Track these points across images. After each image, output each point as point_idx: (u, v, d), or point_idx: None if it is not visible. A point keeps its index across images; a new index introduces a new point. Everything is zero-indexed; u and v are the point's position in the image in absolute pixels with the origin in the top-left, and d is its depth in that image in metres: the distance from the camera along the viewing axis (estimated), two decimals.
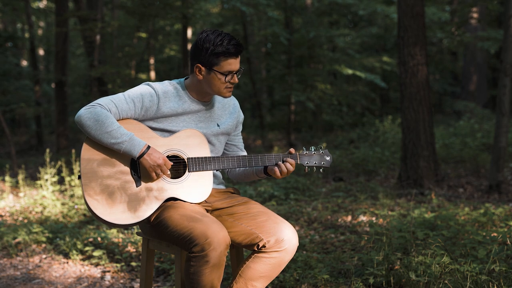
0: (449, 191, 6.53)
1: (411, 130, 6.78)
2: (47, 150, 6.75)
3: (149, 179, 2.56)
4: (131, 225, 2.55)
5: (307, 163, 2.73)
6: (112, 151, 2.54)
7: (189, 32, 12.42)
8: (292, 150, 2.70)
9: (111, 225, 2.54)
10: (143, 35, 13.05)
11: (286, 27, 13.93)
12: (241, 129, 2.89)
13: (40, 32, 22.43)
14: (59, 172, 8.01)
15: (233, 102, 2.85)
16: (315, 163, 2.74)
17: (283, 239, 2.53)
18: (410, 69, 6.74)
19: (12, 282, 4.01)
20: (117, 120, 2.55)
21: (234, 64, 2.59)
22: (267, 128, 15.16)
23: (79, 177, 2.55)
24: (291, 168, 2.66)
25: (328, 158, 2.76)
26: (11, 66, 15.07)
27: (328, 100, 14.16)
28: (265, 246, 2.54)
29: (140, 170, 2.56)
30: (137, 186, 2.55)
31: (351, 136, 12.30)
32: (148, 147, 2.51)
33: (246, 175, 2.84)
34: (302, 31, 13.48)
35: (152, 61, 15.97)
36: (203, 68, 2.60)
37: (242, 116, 2.88)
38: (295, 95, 12.96)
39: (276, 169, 2.65)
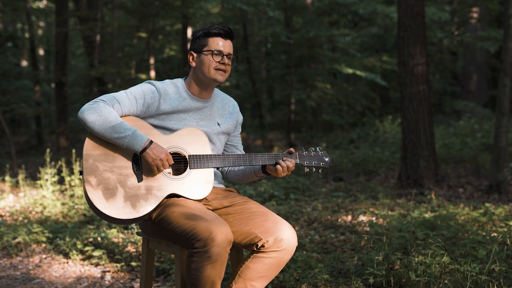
0: (449, 191, 6.52)
1: (411, 130, 6.78)
2: (47, 150, 6.75)
3: (151, 174, 2.57)
4: (132, 221, 2.55)
5: (306, 163, 2.78)
6: (114, 146, 2.56)
7: (189, 32, 12.42)
8: (291, 149, 2.75)
9: (112, 220, 2.53)
10: (143, 35, 13.07)
11: (286, 27, 13.93)
12: (240, 131, 2.94)
13: (40, 32, 22.42)
14: (59, 172, 8.01)
15: (232, 103, 2.90)
16: (314, 163, 2.79)
17: (282, 238, 2.54)
18: (410, 69, 6.74)
19: (12, 282, 4.01)
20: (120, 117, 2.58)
21: (223, 44, 2.67)
22: (267, 128, 15.15)
23: (81, 173, 2.56)
24: (291, 166, 2.69)
25: (327, 159, 2.81)
26: (11, 66, 15.06)
27: (328, 100, 14.16)
28: (264, 246, 2.54)
29: (142, 165, 2.57)
30: (138, 182, 2.56)
31: (351, 136, 12.30)
32: (151, 141, 2.54)
33: (245, 175, 2.85)
34: (302, 31, 13.47)
35: (152, 61, 15.96)
36: (194, 54, 2.71)
37: (241, 118, 2.92)
38: (295, 94, 12.96)
39: (278, 167, 2.67)
